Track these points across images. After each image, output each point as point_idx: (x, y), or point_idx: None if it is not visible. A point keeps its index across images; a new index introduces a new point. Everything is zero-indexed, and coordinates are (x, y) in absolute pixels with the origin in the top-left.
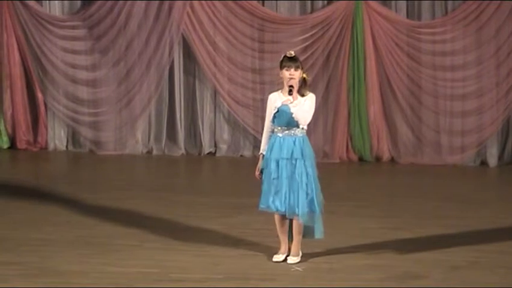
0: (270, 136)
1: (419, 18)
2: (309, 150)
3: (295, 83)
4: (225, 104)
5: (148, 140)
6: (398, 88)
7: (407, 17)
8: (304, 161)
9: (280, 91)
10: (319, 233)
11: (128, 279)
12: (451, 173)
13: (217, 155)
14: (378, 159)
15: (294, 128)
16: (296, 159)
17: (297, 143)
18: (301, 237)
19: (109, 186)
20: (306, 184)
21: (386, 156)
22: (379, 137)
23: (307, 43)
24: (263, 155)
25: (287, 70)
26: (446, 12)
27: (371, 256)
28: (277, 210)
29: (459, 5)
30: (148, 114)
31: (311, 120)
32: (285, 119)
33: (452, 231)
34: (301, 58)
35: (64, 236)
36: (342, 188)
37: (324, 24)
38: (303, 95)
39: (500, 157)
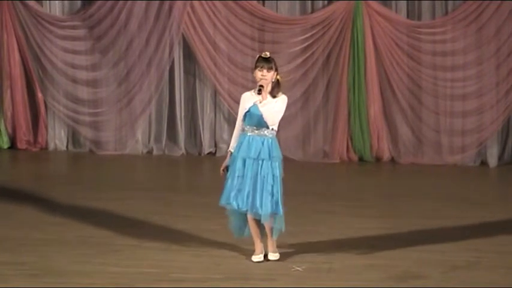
0: (240, 135)
1: (419, 18)
2: (276, 152)
3: (266, 84)
4: (225, 104)
5: (149, 140)
6: (398, 88)
7: (408, 17)
8: (271, 163)
9: (253, 91)
10: (276, 234)
11: (128, 279)
12: (451, 173)
13: (218, 155)
14: (378, 159)
15: (264, 129)
16: (263, 160)
17: (265, 143)
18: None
19: (109, 186)
20: (272, 186)
21: (386, 156)
22: (379, 137)
23: (307, 43)
24: (231, 153)
25: (260, 70)
26: (447, 12)
27: (371, 256)
28: (238, 207)
29: (459, 5)
30: (148, 114)
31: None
32: (255, 119)
33: (452, 231)
34: (302, 58)
35: (64, 236)
36: (342, 188)
37: (324, 24)
38: (274, 96)
39: (501, 157)
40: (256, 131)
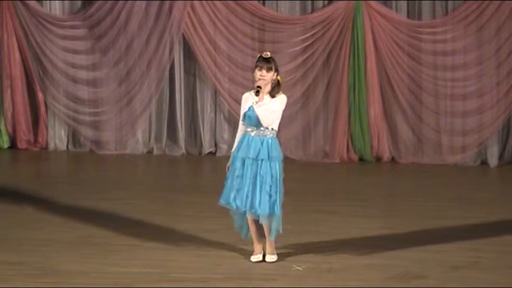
0: (242, 135)
1: (419, 18)
2: (276, 152)
3: (265, 84)
4: (226, 104)
5: (149, 139)
6: (398, 88)
7: (408, 16)
8: (270, 163)
9: (253, 91)
10: (273, 234)
11: (128, 279)
12: (452, 173)
13: (218, 154)
14: (379, 159)
15: (264, 129)
16: (262, 160)
17: (264, 144)
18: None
19: (109, 186)
20: (270, 186)
21: (386, 156)
22: (379, 137)
23: (307, 43)
24: None
25: (259, 70)
26: (447, 12)
27: (371, 256)
28: (237, 208)
29: (460, 4)
30: (148, 114)
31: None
32: (253, 120)
33: (452, 231)
34: (302, 58)
35: (64, 236)
36: (342, 188)
37: (324, 24)
38: (273, 96)
39: (501, 157)
40: (256, 131)
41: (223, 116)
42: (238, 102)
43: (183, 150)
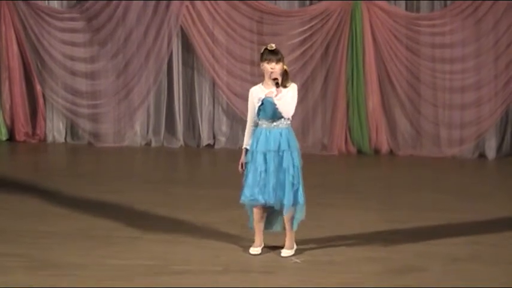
0: (254, 130)
1: (418, 10)
2: (294, 142)
3: (279, 76)
4: (224, 96)
5: (147, 132)
6: (397, 80)
7: (406, 9)
8: (291, 153)
9: (261, 84)
10: (295, 225)
11: (128, 271)
12: (450, 165)
13: (216, 147)
14: (377, 151)
15: (279, 120)
16: (283, 151)
17: (283, 134)
18: (294, 230)
19: (108, 179)
20: (293, 176)
21: (385, 148)
22: (377, 129)
23: (305, 35)
24: (246, 149)
25: (268, 63)
26: (445, 5)
27: (370, 249)
28: (265, 202)
29: None
30: (146, 106)
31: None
32: (270, 112)
33: (451, 224)
34: (300, 50)
35: (64, 228)
36: (341, 181)
37: (322, 17)
38: (285, 86)
39: (499, 149)
40: (272, 123)
41: (221, 109)
42: (237, 94)
43: (181, 143)
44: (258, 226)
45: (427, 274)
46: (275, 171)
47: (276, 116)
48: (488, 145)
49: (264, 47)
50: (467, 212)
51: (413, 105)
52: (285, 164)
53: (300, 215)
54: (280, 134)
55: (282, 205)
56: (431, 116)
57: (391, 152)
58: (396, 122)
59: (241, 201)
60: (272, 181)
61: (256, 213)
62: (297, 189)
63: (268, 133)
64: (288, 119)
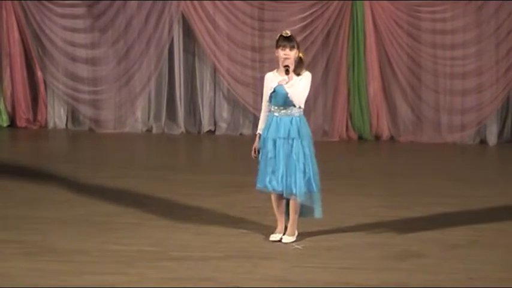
0: (267, 116)
1: None
2: (306, 130)
3: (291, 63)
4: (225, 83)
5: (148, 118)
6: (398, 66)
7: None
8: (301, 141)
9: (275, 70)
10: (318, 213)
11: (128, 257)
12: (451, 151)
13: (217, 133)
14: (378, 137)
15: (291, 108)
16: (293, 139)
17: (293, 122)
18: (297, 216)
19: (109, 165)
20: (304, 164)
21: (386, 134)
22: (378, 116)
23: (306, 21)
24: (260, 135)
25: (282, 50)
26: None
27: (370, 235)
28: (274, 190)
29: None
30: (147, 92)
31: (311, 99)
32: (281, 99)
33: (451, 210)
34: (301, 36)
35: (64, 214)
36: (342, 167)
37: (323, 3)
38: (298, 74)
39: (500, 135)
40: (284, 111)
41: (222, 95)
42: (237, 81)
43: (182, 129)
44: (278, 212)
45: (427, 260)
46: (285, 159)
47: (287, 103)
48: (489, 131)
49: (279, 34)
50: (468, 198)
51: (414, 91)
52: (294, 152)
53: (318, 203)
54: (291, 122)
55: (291, 193)
56: (432, 102)
57: (391, 138)
58: (397, 108)
59: (256, 188)
60: (282, 168)
61: (274, 200)
62: (309, 178)
63: (279, 120)
64: (300, 107)
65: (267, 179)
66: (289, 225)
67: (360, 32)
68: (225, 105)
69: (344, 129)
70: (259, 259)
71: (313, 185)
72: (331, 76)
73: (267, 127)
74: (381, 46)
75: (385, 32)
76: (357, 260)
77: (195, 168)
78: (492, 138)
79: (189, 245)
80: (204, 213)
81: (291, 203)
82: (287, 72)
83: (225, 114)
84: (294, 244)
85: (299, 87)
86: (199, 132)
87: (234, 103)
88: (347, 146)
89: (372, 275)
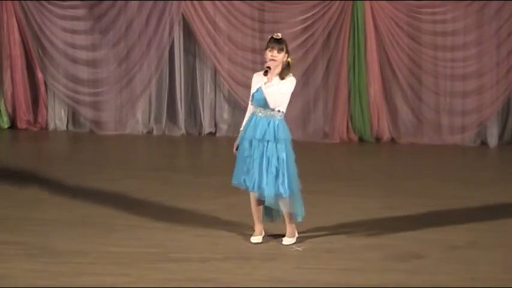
0: (250, 115)
1: None
2: (283, 134)
3: (274, 65)
4: (225, 84)
5: (149, 120)
6: (398, 68)
7: None
8: (277, 144)
9: (262, 71)
10: (298, 217)
11: (127, 259)
12: (451, 153)
13: (218, 135)
14: (378, 139)
15: (271, 110)
16: (268, 141)
17: (271, 125)
18: (292, 216)
19: (109, 166)
20: (276, 168)
21: (386, 136)
22: (379, 117)
23: (307, 23)
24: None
25: (270, 51)
26: None
27: (370, 236)
28: (247, 188)
29: None
30: (148, 94)
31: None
32: (261, 101)
33: (451, 211)
34: (302, 38)
35: (64, 215)
36: (342, 168)
37: (324, 4)
38: (283, 78)
39: (501, 137)
40: (264, 112)
41: (222, 96)
42: (238, 82)
43: (183, 131)
44: (256, 215)
45: (427, 260)
46: (258, 159)
47: (267, 105)
48: (489, 133)
49: (271, 35)
50: (468, 200)
51: (414, 93)
52: (268, 154)
53: (298, 209)
54: (268, 124)
55: (262, 194)
56: (433, 104)
57: (392, 140)
58: (398, 110)
59: (232, 184)
60: (255, 168)
61: (252, 199)
62: (282, 182)
63: (257, 120)
64: (280, 111)
65: (242, 177)
66: (287, 227)
67: (360, 33)
68: (226, 107)
69: (344, 131)
70: (259, 260)
71: (286, 189)
72: (331, 78)
73: (246, 126)
74: (381, 48)
75: (385, 34)
76: (356, 261)
77: (196, 170)
78: (493, 140)
79: (189, 247)
80: (204, 214)
81: (280, 202)
82: (265, 73)
83: (225, 116)
84: (294, 246)
85: (279, 90)
86: (199, 133)
87: (234, 105)
88: (347, 148)
89: (371, 275)
